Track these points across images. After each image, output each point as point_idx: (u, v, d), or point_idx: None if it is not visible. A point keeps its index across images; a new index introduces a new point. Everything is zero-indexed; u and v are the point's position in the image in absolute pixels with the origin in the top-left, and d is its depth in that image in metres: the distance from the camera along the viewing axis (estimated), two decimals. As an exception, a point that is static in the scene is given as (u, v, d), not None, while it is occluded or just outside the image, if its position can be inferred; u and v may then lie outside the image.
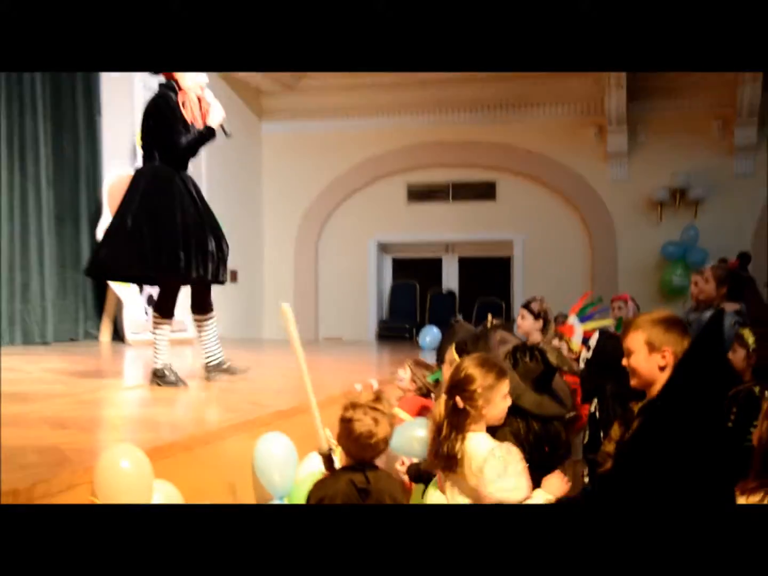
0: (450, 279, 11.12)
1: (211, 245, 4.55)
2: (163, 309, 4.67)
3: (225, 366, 4.87)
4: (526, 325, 4.72)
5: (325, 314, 10.92)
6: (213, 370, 4.85)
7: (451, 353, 3.14)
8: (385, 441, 2.50)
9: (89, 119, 8.69)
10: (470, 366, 2.62)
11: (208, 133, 4.55)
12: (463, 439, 2.56)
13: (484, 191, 10.55)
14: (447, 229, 10.69)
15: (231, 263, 9.81)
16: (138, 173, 4.64)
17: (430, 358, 4.96)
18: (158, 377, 4.62)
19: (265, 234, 11.00)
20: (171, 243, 4.39)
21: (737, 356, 3.70)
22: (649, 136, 9.88)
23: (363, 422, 2.46)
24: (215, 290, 9.85)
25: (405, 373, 4.16)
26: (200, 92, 4.62)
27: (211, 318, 4.81)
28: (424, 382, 4.06)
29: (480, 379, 2.58)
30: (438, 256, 11.21)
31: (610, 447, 2.87)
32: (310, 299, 10.89)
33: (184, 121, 4.51)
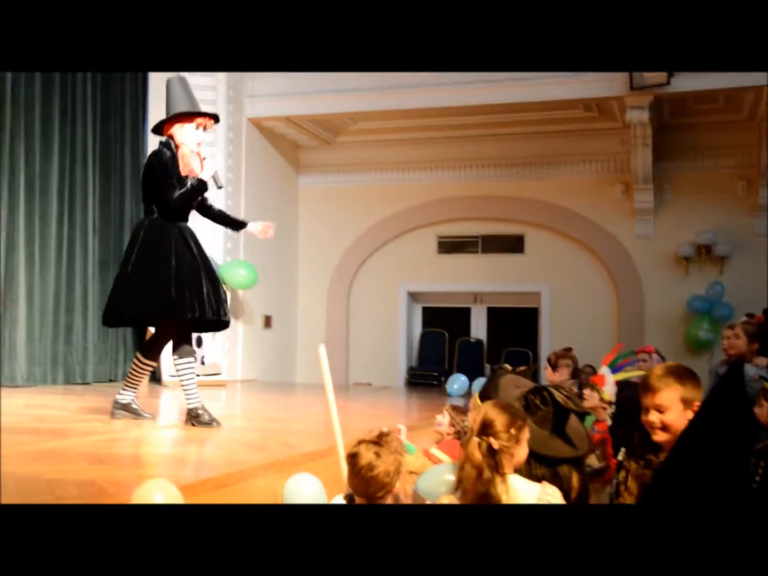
0: (478, 328, 11.31)
1: (207, 288, 4.70)
2: (150, 352, 4.90)
3: (199, 413, 4.90)
4: (548, 375, 4.92)
5: (356, 360, 11.15)
6: (193, 416, 4.88)
7: (475, 399, 3.30)
8: (388, 474, 2.52)
9: (135, 170, 9.12)
10: (495, 409, 2.67)
11: (199, 185, 4.72)
12: (503, 480, 2.57)
13: (513, 244, 10.78)
14: (476, 280, 10.92)
15: (266, 309, 10.27)
16: (139, 225, 4.88)
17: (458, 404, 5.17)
18: (122, 409, 4.92)
19: (299, 281, 11.31)
20: (165, 287, 4.60)
21: (763, 410, 3.69)
22: (675, 194, 10.05)
23: (364, 456, 2.50)
24: (251, 335, 10.17)
25: (444, 418, 4.34)
26: (196, 148, 4.81)
27: (190, 362, 4.89)
28: (462, 426, 4.23)
29: (508, 420, 2.63)
30: (467, 306, 11.42)
31: (629, 500, 2.87)
32: (341, 345, 11.13)
33: (179, 175, 4.72)
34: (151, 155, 4.90)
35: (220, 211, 5.20)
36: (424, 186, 10.94)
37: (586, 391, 4.70)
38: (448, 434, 4.32)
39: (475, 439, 2.64)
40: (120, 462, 3.83)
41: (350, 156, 11.14)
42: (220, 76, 9.35)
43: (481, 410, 2.71)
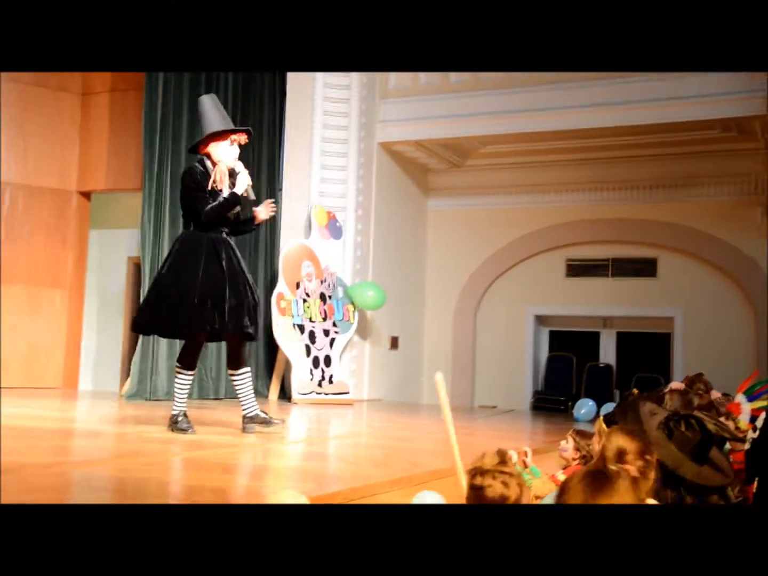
0: (607, 353, 11.06)
1: (230, 302, 4.77)
2: (185, 360, 4.98)
3: (261, 417, 5.08)
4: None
5: (481, 382, 11.12)
6: (249, 421, 5.08)
7: (600, 424, 3.26)
8: (518, 502, 2.47)
9: (271, 195, 9.50)
10: (625, 436, 2.62)
11: (232, 199, 4.87)
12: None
13: (645, 267, 10.51)
14: (605, 304, 10.70)
15: (393, 330, 10.42)
16: (176, 239, 5.08)
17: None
18: (172, 423, 4.97)
19: (426, 303, 11.40)
20: (189, 298, 4.70)
21: None
22: (817, 217, 9.57)
23: (494, 488, 2.41)
24: (378, 355, 10.32)
25: (568, 443, 4.30)
26: (232, 163, 4.96)
27: (244, 372, 5.05)
28: (588, 451, 4.18)
29: (642, 447, 2.57)
30: (596, 330, 11.20)
31: None
32: (467, 367, 11.13)
33: (212, 189, 4.86)
34: (184, 172, 5.08)
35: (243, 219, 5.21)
36: (554, 208, 10.85)
37: (721, 420, 4.54)
38: (574, 459, 4.27)
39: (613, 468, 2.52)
40: (251, 472, 4.01)
41: (479, 179, 11.18)
42: (353, 102, 9.61)
43: (613, 439, 2.64)
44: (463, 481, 2.68)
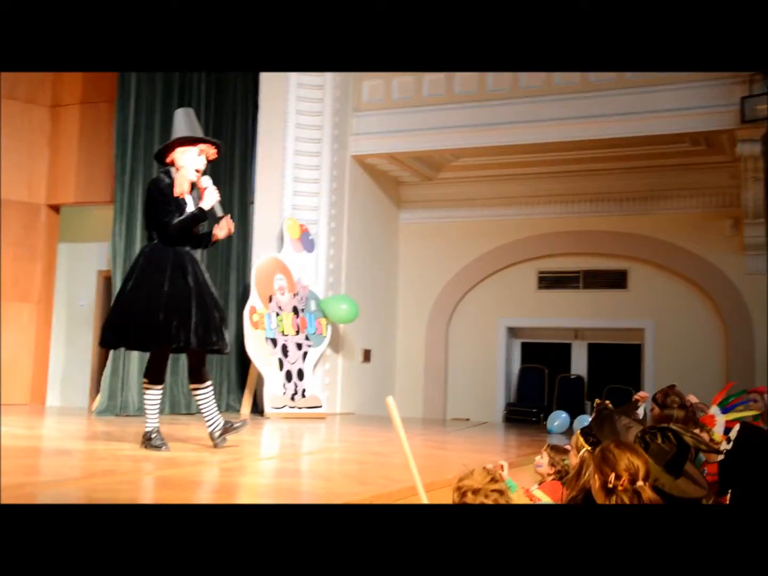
0: (579, 364, 11.13)
1: (196, 316, 4.73)
2: (152, 375, 4.92)
3: (227, 426, 5.05)
4: (654, 414, 4.81)
5: (454, 395, 11.13)
6: (218, 436, 5.05)
7: (578, 439, 3.25)
8: None
9: (243, 208, 9.46)
10: (634, 454, 2.60)
11: (200, 214, 4.81)
12: None
13: (616, 279, 10.60)
14: (577, 315, 10.77)
15: (365, 343, 10.40)
16: (140, 252, 5.02)
17: (557, 442, 5.11)
18: (146, 440, 4.91)
19: (398, 316, 11.40)
20: (154, 312, 4.66)
21: None
22: (788, 228, 9.71)
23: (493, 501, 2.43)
24: (351, 369, 10.29)
25: (542, 459, 4.30)
26: (195, 175, 4.88)
27: (208, 386, 5.00)
28: (563, 466, 4.17)
29: (643, 461, 2.58)
30: (567, 342, 11.26)
31: None
32: (439, 380, 11.14)
33: (177, 199, 4.80)
34: (150, 182, 5.03)
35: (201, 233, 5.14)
36: (525, 221, 10.91)
37: (696, 431, 4.56)
38: (549, 474, 4.27)
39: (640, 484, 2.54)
40: (226, 490, 3.96)
41: (451, 192, 11.23)
42: (326, 115, 9.60)
43: (623, 458, 2.59)
44: (424, 499, 2.65)
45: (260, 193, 9.57)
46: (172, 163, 4.89)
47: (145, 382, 4.95)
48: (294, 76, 9.51)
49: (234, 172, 9.49)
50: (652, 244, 10.29)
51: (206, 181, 4.91)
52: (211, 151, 4.96)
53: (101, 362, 9.24)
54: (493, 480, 2.51)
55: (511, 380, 11.32)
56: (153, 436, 4.89)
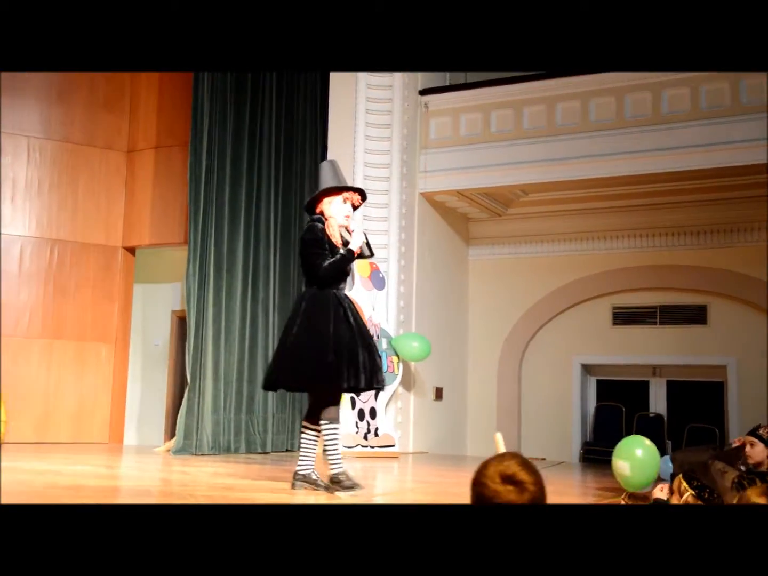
0: (657, 402, 10.81)
1: (363, 356, 4.87)
2: (314, 417, 4.99)
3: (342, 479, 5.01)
4: (756, 453, 4.60)
5: (528, 434, 10.91)
6: (333, 480, 5.00)
7: (681, 482, 3.15)
8: None
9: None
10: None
11: (348, 255, 4.95)
12: None
13: (695, 315, 10.31)
14: (654, 352, 10.49)
15: (437, 381, 10.29)
16: (300, 297, 5.14)
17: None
18: (302, 480, 4.99)
19: (469, 353, 11.28)
20: (324, 354, 4.78)
21: None
22: None
23: None
24: (423, 407, 10.20)
25: None
26: (344, 221, 5.05)
27: (327, 428, 4.98)
28: None
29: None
30: (644, 379, 10.96)
31: None
32: (513, 418, 10.94)
33: (330, 246, 4.94)
34: (304, 230, 5.17)
35: None
36: (598, 256, 10.73)
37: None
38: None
39: None
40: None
41: (521, 227, 11.12)
42: (394, 153, 9.64)
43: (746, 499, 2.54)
44: None
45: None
46: (321, 214, 5.07)
47: (306, 425, 5.03)
48: (362, 116, 9.59)
49: (304, 214, 9.55)
50: (733, 278, 9.99)
51: (353, 224, 5.12)
52: (356, 197, 5.13)
53: (175, 401, 9.36)
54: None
55: (587, 419, 11.06)
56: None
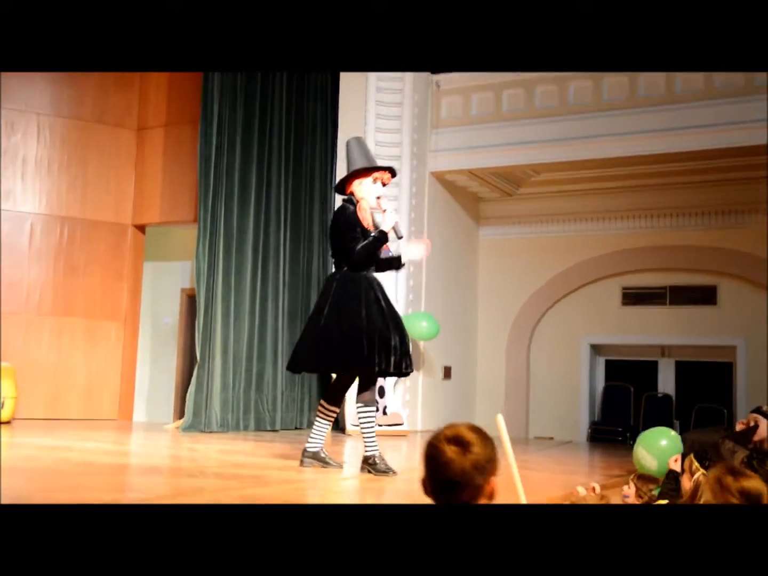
0: (666, 382, 10.81)
1: (395, 340, 4.83)
2: (334, 399, 5.01)
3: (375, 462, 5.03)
4: (761, 431, 4.61)
5: (536, 413, 10.94)
6: (365, 461, 5.03)
7: (692, 462, 3.16)
8: None
9: (323, 229, 9.52)
10: (744, 478, 2.60)
11: (380, 236, 4.87)
12: None
13: (704, 295, 10.28)
14: (663, 333, 10.47)
15: (446, 360, 10.30)
16: (330, 278, 5.06)
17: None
18: (311, 458, 5.03)
19: (479, 333, 11.28)
20: (356, 339, 4.74)
21: None
22: None
23: None
24: (431, 386, 10.22)
25: (629, 489, 4.15)
26: (375, 202, 4.98)
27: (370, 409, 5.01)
28: (650, 497, 4.04)
29: (763, 486, 2.57)
30: (653, 359, 10.96)
31: None
32: (521, 397, 10.97)
33: (362, 228, 4.89)
34: (336, 212, 5.13)
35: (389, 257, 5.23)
36: (608, 236, 10.69)
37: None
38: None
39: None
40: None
41: (532, 207, 11.08)
42: (405, 132, 9.61)
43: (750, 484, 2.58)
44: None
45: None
46: (352, 194, 5.02)
47: (324, 405, 5.02)
48: (372, 94, 9.56)
49: (314, 193, 9.57)
50: (744, 259, 9.94)
51: (385, 204, 5.03)
52: (386, 176, 5.06)
53: (184, 379, 9.41)
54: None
55: (595, 398, 11.07)
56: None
